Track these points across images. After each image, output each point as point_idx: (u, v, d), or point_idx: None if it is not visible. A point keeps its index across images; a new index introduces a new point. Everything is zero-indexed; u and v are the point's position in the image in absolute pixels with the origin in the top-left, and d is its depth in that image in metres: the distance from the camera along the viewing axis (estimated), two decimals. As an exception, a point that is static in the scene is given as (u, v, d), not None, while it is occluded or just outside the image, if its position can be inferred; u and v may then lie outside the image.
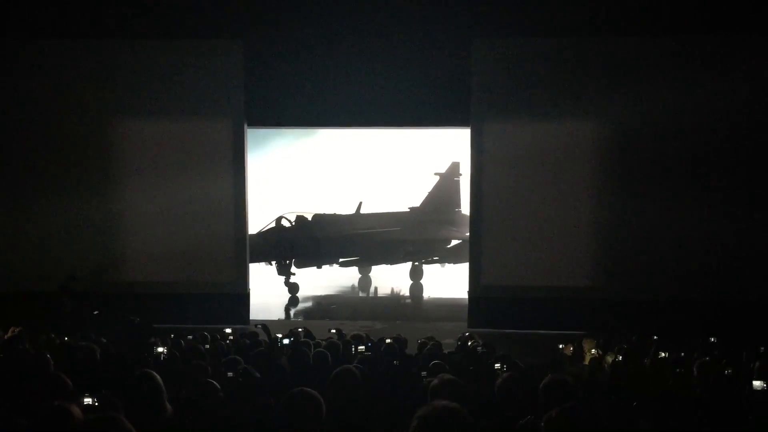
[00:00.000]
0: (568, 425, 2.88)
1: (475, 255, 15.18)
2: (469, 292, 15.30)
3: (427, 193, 24.85)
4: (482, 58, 14.78)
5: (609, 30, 14.49)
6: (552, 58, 14.69)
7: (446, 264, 22.49)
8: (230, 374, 4.24)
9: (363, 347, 7.34)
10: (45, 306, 12.47)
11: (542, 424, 2.98)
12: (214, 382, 3.99)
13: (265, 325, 9.11)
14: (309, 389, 3.50)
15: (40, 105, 15.03)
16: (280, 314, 18.21)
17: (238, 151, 15.34)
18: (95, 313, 12.46)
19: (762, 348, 8.22)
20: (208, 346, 7.96)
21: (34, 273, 14.51)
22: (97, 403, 3.66)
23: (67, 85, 15.06)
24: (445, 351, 9.05)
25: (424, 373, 5.56)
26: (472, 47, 14.74)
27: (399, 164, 24.24)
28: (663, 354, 7.41)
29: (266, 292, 19.91)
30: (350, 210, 22.54)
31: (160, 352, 6.45)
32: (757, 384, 4.48)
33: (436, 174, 25.17)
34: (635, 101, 14.47)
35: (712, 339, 9.20)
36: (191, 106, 15.16)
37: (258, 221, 19.87)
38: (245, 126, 15.40)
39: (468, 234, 23.49)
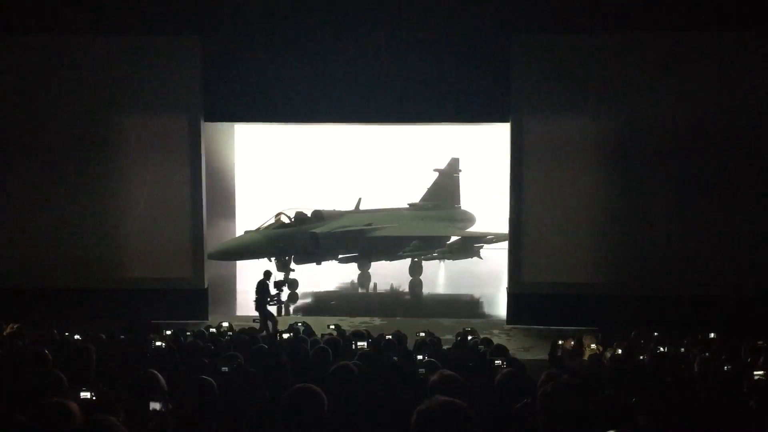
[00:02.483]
0: (562, 399, 2.88)
1: (515, 252, 15.18)
2: (509, 289, 15.36)
3: (426, 189, 24.82)
4: (522, 53, 14.74)
5: (649, 26, 14.42)
6: (593, 54, 14.65)
7: (446, 260, 22.46)
8: (225, 369, 4.21)
9: (363, 343, 7.32)
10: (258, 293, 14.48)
11: (537, 398, 2.97)
12: (209, 379, 3.97)
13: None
14: (311, 385, 3.49)
15: None
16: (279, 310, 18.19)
17: (194, 146, 15.35)
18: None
19: (760, 342, 8.23)
20: (212, 346, 7.92)
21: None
22: (94, 398, 3.64)
23: (21, 82, 15.10)
24: (445, 347, 9.06)
25: (422, 370, 5.54)
26: (512, 43, 14.72)
27: (399, 160, 24.23)
28: (662, 349, 7.41)
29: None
30: (349, 206, 22.52)
31: (158, 346, 6.43)
32: (757, 374, 4.51)
33: (435, 170, 25.13)
34: (676, 97, 14.43)
35: (712, 335, 9.21)
36: (149, 102, 15.20)
37: (257, 217, 19.90)
38: (202, 122, 15.42)
39: (468, 229, 23.65)
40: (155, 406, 3.62)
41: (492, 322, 16.18)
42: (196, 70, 15.07)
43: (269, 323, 13.76)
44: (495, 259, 21.44)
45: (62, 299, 14.25)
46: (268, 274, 14.80)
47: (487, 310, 18.61)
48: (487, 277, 21.23)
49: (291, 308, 18.67)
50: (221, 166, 21.55)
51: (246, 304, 18.00)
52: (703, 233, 14.35)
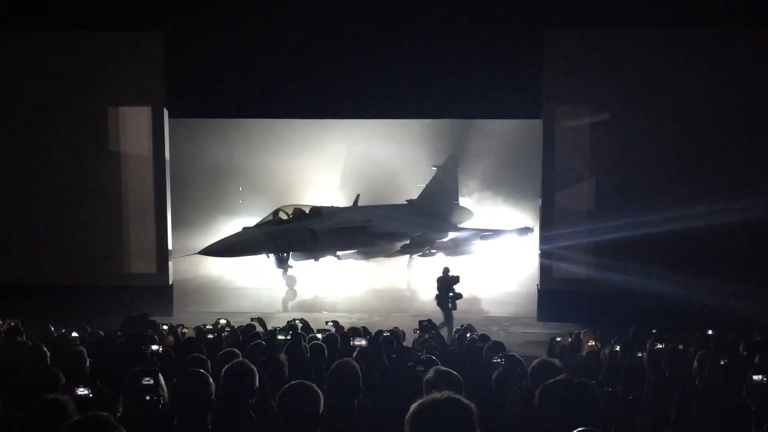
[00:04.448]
0: (561, 395, 2.87)
1: (547, 249, 15.18)
2: (539, 286, 15.34)
3: (425, 186, 24.78)
4: (554, 49, 14.77)
5: (681, 21, 14.40)
6: (625, 49, 14.66)
7: (444, 257, 22.39)
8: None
9: (361, 340, 7.31)
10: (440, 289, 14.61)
11: (536, 394, 2.96)
12: (203, 371, 3.96)
13: (261, 319, 9.09)
14: (307, 381, 3.48)
15: None
16: (277, 307, 18.19)
17: (158, 142, 15.44)
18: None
19: (758, 337, 8.25)
20: (210, 336, 7.90)
21: None
22: (90, 395, 3.64)
23: None
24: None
25: (420, 368, 5.53)
26: (543, 39, 14.76)
27: (397, 157, 24.14)
28: (659, 345, 7.42)
29: (264, 285, 19.92)
30: (348, 203, 22.49)
31: (156, 350, 6.40)
32: (756, 378, 4.51)
33: (433, 167, 25.09)
34: (708, 92, 14.40)
35: (710, 332, 9.22)
36: (112, 98, 15.32)
37: (255, 214, 19.86)
38: (165, 117, 15.50)
39: (466, 225, 23.64)
40: (147, 381, 3.65)
41: (492, 318, 16.23)
42: (159, 66, 15.15)
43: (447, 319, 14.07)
44: (493, 256, 21.51)
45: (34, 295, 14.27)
46: (447, 271, 14.76)
47: (486, 306, 18.63)
48: (484, 273, 21.25)
49: (289, 305, 18.68)
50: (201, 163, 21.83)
51: (212, 301, 18.03)
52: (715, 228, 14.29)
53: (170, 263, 15.91)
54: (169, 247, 15.90)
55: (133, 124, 15.53)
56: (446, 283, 14.49)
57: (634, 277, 14.49)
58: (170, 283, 15.83)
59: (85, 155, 15.40)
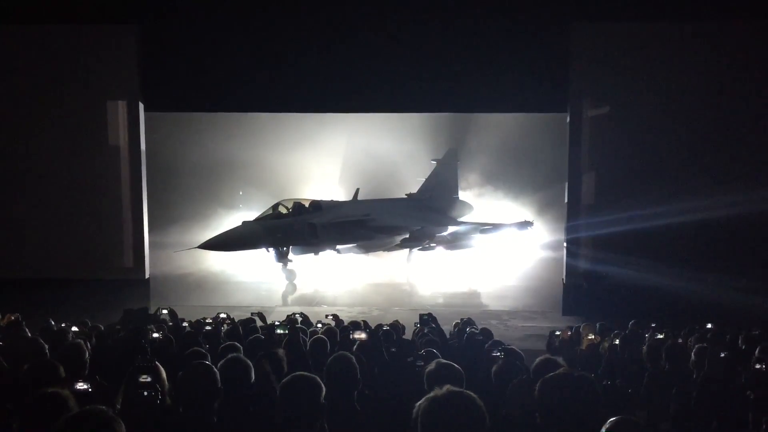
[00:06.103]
0: (561, 389, 2.87)
1: (573, 243, 15.10)
2: (564, 280, 15.26)
3: (424, 180, 24.76)
4: (581, 42, 14.59)
5: (714, 15, 14.16)
6: (654, 42, 14.48)
7: (444, 251, 22.42)
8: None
9: (361, 333, 7.31)
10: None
11: (536, 387, 2.96)
12: (210, 364, 3.97)
13: (261, 313, 9.09)
14: (308, 373, 3.48)
15: None
16: (277, 301, 18.21)
17: (134, 136, 15.36)
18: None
19: (756, 331, 8.28)
20: (208, 328, 7.90)
21: None
22: (90, 389, 3.64)
23: None
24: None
25: (420, 363, 5.54)
26: (570, 31, 14.58)
27: (397, 151, 24.12)
28: (659, 335, 7.44)
29: (264, 278, 19.94)
30: (347, 196, 22.47)
31: (156, 338, 6.43)
32: (758, 367, 4.53)
33: (433, 160, 25.06)
34: (740, 86, 14.26)
35: (709, 325, 9.23)
36: (87, 91, 15.18)
37: (255, 208, 19.86)
38: (141, 111, 15.37)
39: (466, 219, 23.62)
40: (145, 378, 3.66)
41: (492, 312, 16.26)
42: (134, 60, 15.04)
43: None
44: (489, 251, 21.53)
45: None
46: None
47: (485, 300, 18.65)
48: (481, 268, 21.32)
49: (289, 299, 18.68)
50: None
51: (211, 296, 18.01)
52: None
53: (146, 257, 15.87)
54: (146, 240, 15.84)
55: (106, 117, 15.41)
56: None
57: (636, 270, 14.48)
58: (147, 276, 15.80)
59: (69, 150, 15.29)
